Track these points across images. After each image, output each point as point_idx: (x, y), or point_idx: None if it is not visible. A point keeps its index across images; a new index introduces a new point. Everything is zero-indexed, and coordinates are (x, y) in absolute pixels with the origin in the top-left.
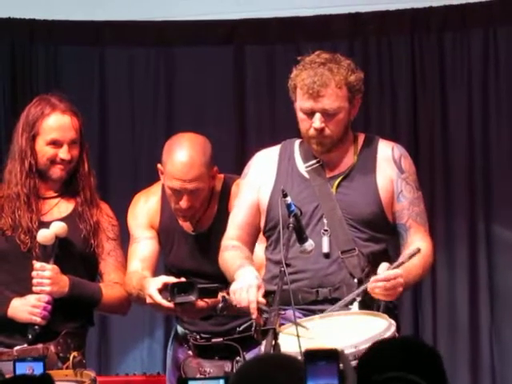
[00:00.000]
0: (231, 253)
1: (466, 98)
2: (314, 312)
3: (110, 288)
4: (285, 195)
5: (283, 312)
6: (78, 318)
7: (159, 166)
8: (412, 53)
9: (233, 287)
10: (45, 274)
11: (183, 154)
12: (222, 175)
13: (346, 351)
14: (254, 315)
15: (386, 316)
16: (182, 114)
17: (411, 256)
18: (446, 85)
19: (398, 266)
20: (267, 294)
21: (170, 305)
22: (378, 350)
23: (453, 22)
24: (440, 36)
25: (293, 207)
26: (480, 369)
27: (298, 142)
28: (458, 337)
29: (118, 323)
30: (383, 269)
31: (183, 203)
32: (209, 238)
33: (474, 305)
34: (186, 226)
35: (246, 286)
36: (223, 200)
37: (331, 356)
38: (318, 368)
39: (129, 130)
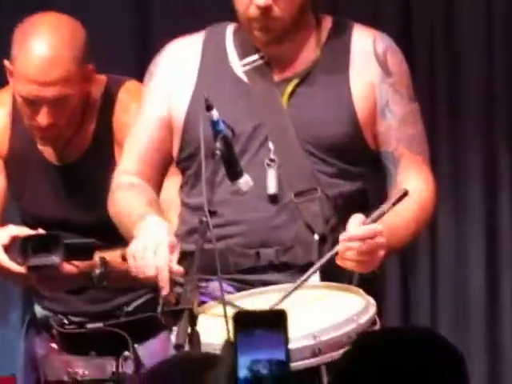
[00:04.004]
0: (128, 194)
1: None
2: (252, 284)
3: None
4: (209, 107)
5: (204, 284)
6: None
7: (7, 62)
8: None
9: (132, 248)
10: None
11: (41, 45)
12: (103, 77)
13: (300, 344)
14: (165, 290)
15: (361, 291)
16: None
17: (395, 202)
18: None
19: (377, 219)
20: (183, 257)
21: (22, 269)
22: (358, 362)
23: None
24: None
25: (221, 126)
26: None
27: (231, 27)
28: (471, 314)
29: None
30: (356, 222)
31: (42, 118)
32: (82, 171)
33: (492, 269)
34: (48, 152)
35: (153, 246)
36: (104, 114)
37: (275, 320)
38: (256, 338)
39: None
